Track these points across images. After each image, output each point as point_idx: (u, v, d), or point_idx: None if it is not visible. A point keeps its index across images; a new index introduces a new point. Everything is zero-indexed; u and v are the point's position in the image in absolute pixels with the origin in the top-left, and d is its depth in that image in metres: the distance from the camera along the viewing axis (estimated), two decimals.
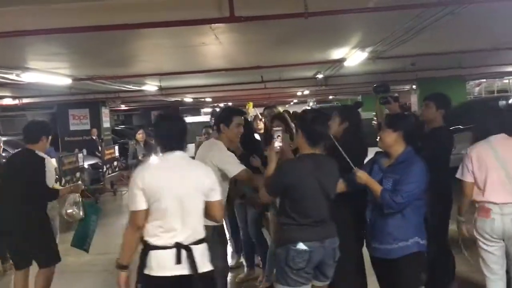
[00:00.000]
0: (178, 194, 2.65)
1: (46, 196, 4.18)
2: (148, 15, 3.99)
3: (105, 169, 11.83)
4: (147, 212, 2.64)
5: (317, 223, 2.95)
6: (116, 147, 14.02)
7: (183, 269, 2.62)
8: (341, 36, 5.94)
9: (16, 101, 12.99)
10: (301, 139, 3.03)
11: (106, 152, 12.70)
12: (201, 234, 2.74)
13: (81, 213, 4.44)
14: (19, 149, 4.51)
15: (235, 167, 3.46)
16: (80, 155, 10.65)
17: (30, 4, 3.87)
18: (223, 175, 3.41)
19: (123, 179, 13.55)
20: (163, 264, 2.63)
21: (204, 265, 2.71)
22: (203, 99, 18.81)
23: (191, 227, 2.68)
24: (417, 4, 3.92)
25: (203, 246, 2.74)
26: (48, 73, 7.20)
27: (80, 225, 4.64)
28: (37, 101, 13.32)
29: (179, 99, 16.19)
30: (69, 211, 4.41)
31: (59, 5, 3.88)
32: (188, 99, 16.74)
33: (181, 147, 2.77)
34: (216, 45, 5.93)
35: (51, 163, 4.43)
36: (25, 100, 12.98)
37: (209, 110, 26.16)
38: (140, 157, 8.26)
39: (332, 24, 4.95)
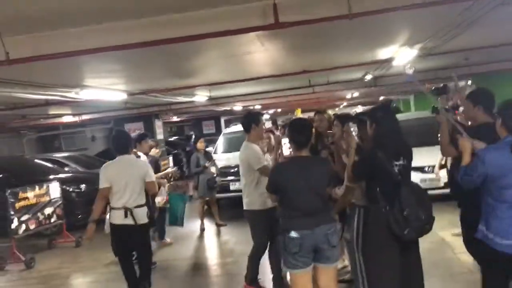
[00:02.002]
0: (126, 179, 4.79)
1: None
2: (196, 28, 4.12)
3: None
4: (108, 188, 4.77)
5: (307, 214, 3.49)
6: (171, 158, 14.42)
7: (128, 221, 4.74)
8: (387, 35, 5.85)
9: (76, 118, 13.68)
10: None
11: (162, 163, 13.07)
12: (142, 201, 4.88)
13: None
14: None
15: (257, 164, 4.68)
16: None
17: (88, 25, 4.15)
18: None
19: (178, 189, 13.92)
20: (116, 217, 4.80)
21: (142, 220, 4.82)
22: (252, 107, 18.95)
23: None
24: None
25: (142, 209, 4.85)
26: (104, 89, 7.55)
27: (170, 210, 7.07)
28: (95, 117, 13.92)
29: (229, 108, 16.41)
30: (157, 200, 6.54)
31: (115, 23, 4.13)
32: (237, 107, 16.93)
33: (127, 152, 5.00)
34: (261, 53, 6.01)
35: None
36: (84, 117, 13.63)
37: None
38: (206, 164, 8.48)
39: (377, 24, 4.90)
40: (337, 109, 27.58)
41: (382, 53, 7.18)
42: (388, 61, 7.59)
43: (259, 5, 4.01)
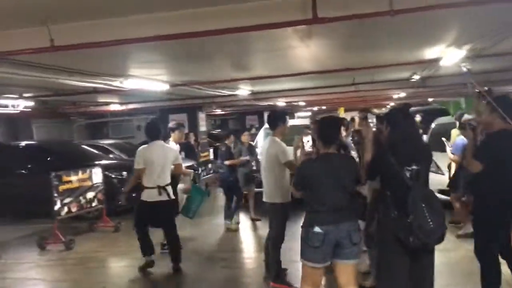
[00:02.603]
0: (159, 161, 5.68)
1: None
2: (233, 21, 4.13)
3: (200, 171, 12.32)
4: (144, 169, 5.66)
5: (333, 210, 3.55)
6: (211, 150, 14.58)
7: (162, 197, 5.62)
8: (433, 34, 5.63)
9: (123, 107, 14.08)
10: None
11: (202, 155, 13.27)
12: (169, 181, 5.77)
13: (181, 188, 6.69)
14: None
15: (285, 158, 4.90)
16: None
17: (133, 14, 4.23)
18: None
19: (217, 181, 14.06)
20: (151, 195, 5.64)
21: (172, 196, 5.76)
22: (296, 103, 18.86)
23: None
24: None
25: (169, 187, 5.73)
26: (147, 80, 7.71)
27: (186, 200, 6.86)
28: (141, 106, 14.27)
29: (272, 103, 16.40)
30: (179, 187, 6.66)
31: (157, 14, 4.20)
32: (280, 103, 16.89)
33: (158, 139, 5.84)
34: (302, 48, 5.95)
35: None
36: (130, 106, 14.01)
37: (303, 114, 26.28)
38: (248, 158, 8.52)
39: (422, 22, 4.73)
40: (383, 109, 27.00)
41: (429, 53, 6.94)
42: (435, 61, 7.33)
43: (299, 0, 3.96)
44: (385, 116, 3.81)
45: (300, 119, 22.38)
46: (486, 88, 4.81)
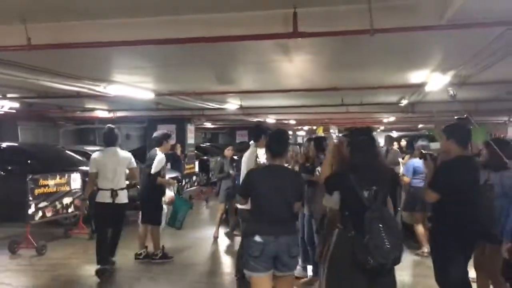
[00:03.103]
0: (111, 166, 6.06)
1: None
2: (220, 30, 4.10)
3: (184, 183, 12.21)
4: (96, 173, 6.05)
5: (273, 221, 3.64)
6: (197, 163, 14.48)
7: (112, 200, 5.98)
8: (418, 57, 5.65)
9: (111, 114, 13.98)
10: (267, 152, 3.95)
11: (187, 167, 13.17)
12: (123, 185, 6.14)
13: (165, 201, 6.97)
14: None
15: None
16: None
17: (114, 18, 4.19)
18: None
19: (201, 194, 13.97)
20: (104, 196, 6.02)
21: (125, 200, 6.15)
22: (286, 121, 18.86)
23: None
24: (497, 22, 3.61)
25: (123, 191, 6.14)
26: (132, 87, 7.65)
27: (171, 211, 7.13)
28: (129, 115, 14.19)
29: (262, 120, 16.39)
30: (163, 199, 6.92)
31: (139, 19, 4.16)
32: (270, 120, 16.88)
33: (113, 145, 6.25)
34: (287, 63, 5.94)
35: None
36: (118, 114, 13.91)
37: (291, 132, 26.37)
38: (230, 171, 8.46)
39: (406, 43, 4.74)
40: (375, 132, 27.09)
41: (414, 77, 6.96)
42: (421, 86, 7.35)
43: (281, 13, 3.94)
44: (348, 135, 3.78)
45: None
46: (464, 116, 4.88)
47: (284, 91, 8.29)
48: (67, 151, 11.36)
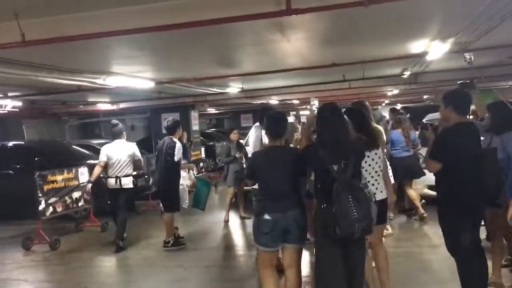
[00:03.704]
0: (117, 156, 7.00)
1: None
2: (213, 13, 4.04)
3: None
4: (105, 162, 6.98)
5: (279, 199, 3.82)
6: (203, 149, 14.51)
7: (117, 185, 7.01)
8: (416, 27, 5.55)
9: (114, 106, 13.99)
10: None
11: (193, 153, 13.20)
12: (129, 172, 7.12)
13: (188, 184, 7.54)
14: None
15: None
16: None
17: (107, 8, 4.15)
18: None
19: (209, 179, 14.02)
20: (111, 183, 7.04)
21: (128, 185, 7.10)
22: (289, 101, 18.77)
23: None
24: None
25: (128, 177, 7.10)
26: (131, 77, 7.63)
27: (194, 194, 7.62)
28: (133, 105, 14.18)
29: (265, 101, 16.32)
30: (185, 183, 7.37)
31: (132, 7, 4.11)
32: (273, 101, 16.81)
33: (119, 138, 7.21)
34: (284, 42, 5.88)
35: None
36: (121, 105, 13.91)
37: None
38: (237, 155, 8.50)
39: (402, 14, 4.67)
40: (379, 106, 26.91)
41: (414, 47, 6.86)
42: (422, 55, 7.25)
43: None
44: (318, 111, 3.93)
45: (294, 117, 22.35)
46: (468, 81, 4.83)
47: (284, 71, 8.22)
48: (73, 146, 11.43)
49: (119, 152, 7.07)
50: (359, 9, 3.71)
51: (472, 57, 6.46)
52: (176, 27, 4.16)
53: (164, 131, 15.75)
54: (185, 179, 7.54)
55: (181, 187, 7.18)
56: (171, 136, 6.89)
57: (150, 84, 8.31)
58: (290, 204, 3.83)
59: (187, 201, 7.53)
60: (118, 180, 7.02)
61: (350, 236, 3.35)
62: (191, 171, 7.94)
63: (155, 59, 6.78)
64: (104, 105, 13.63)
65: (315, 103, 6.01)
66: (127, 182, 7.11)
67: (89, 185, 7.54)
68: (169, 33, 4.46)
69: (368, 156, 4.10)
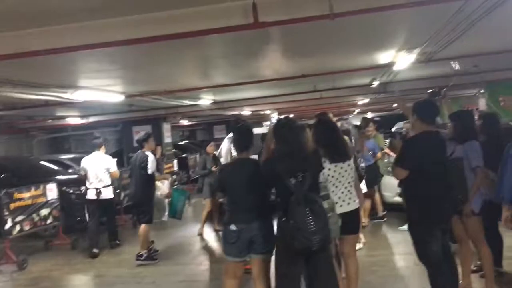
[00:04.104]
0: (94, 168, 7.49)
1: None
2: (176, 27, 4.04)
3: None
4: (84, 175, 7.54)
5: (245, 210, 3.90)
6: (175, 162, 14.38)
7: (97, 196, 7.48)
8: (382, 38, 5.66)
9: (84, 120, 13.72)
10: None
11: (165, 166, 13.06)
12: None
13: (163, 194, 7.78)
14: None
15: None
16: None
17: (71, 23, 4.09)
18: None
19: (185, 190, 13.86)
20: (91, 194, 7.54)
21: (107, 196, 7.57)
22: (262, 112, 18.82)
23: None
24: None
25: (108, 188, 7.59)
26: (100, 91, 7.52)
27: (170, 204, 7.85)
28: (103, 119, 13.96)
29: (237, 113, 16.33)
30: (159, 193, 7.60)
31: (93, 22, 4.07)
32: (246, 112, 16.84)
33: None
34: (254, 55, 5.90)
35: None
36: (91, 119, 13.67)
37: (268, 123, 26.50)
38: (213, 168, 8.44)
39: (368, 26, 4.75)
40: (351, 115, 27.26)
41: (382, 58, 6.99)
42: (389, 65, 7.39)
43: (240, 5, 3.90)
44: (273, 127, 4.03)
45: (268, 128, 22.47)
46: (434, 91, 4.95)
47: (254, 83, 8.25)
48: (41, 162, 11.15)
49: (96, 164, 7.57)
50: (325, 22, 3.76)
51: (457, 64, 6.78)
52: (145, 41, 4.15)
53: (135, 144, 15.78)
54: (161, 189, 7.72)
55: (159, 198, 7.46)
56: (142, 150, 6.98)
57: (120, 98, 8.20)
58: (255, 215, 3.89)
59: (166, 213, 7.90)
60: (97, 191, 7.50)
61: (308, 248, 3.41)
62: (166, 181, 8.04)
63: (125, 72, 6.70)
64: (73, 119, 13.37)
65: (275, 116, 6.14)
66: (108, 193, 7.60)
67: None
68: (139, 46, 4.43)
69: (341, 168, 4.15)
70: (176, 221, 8.89)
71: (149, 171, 6.80)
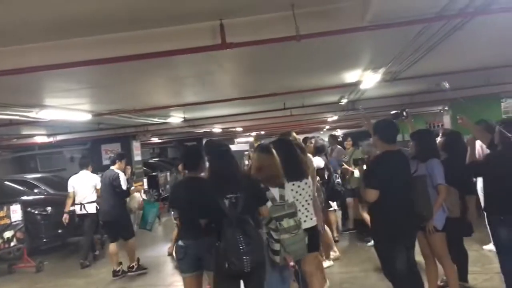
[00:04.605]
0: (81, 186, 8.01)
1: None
2: (152, 47, 4.05)
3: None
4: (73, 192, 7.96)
5: (192, 227, 3.91)
6: (145, 180, 14.20)
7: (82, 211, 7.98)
8: (348, 58, 5.79)
9: (51, 139, 13.42)
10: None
11: (135, 184, 12.87)
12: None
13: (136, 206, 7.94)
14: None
15: None
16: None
17: (34, 43, 4.04)
18: None
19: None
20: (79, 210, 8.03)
21: (90, 210, 8.00)
22: (233, 129, 18.85)
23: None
24: (414, 20, 3.75)
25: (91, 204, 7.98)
26: (66, 110, 7.39)
27: (141, 215, 7.89)
28: (70, 137, 13.68)
29: (208, 130, 16.30)
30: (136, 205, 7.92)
31: (64, 41, 4.03)
32: (216, 129, 16.83)
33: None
34: (223, 74, 5.94)
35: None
36: (58, 138, 13.38)
37: (243, 139, 26.57)
38: None
39: (334, 47, 4.86)
40: (321, 132, 27.59)
41: (349, 77, 7.15)
42: (356, 84, 7.56)
43: (209, 25, 3.95)
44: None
45: (240, 145, 22.58)
46: (399, 111, 5.08)
47: (224, 101, 8.27)
48: (5, 182, 10.84)
49: (82, 182, 8.04)
50: (292, 43, 3.83)
51: (447, 84, 7.06)
52: (111, 61, 4.11)
53: (105, 163, 15.51)
54: (132, 200, 7.89)
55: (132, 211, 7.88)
56: (112, 167, 7.27)
57: (88, 117, 8.09)
58: (203, 232, 3.85)
59: (136, 225, 8.26)
60: (81, 207, 7.98)
61: (240, 270, 3.42)
62: (137, 193, 8.56)
63: (93, 91, 6.61)
64: (40, 138, 13.06)
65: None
66: (91, 208, 7.98)
67: (66, 216, 7.99)
68: (106, 66, 4.39)
69: (299, 186, 4.20)
70: (145, 240, 8.79)
71: (123, 187, 7.08)
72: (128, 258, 7.19)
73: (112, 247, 7.13)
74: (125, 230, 7.19)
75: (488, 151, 4.62)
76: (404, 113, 5.10)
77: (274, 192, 3.97)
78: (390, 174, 3.85)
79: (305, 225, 4.14)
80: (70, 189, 8.02)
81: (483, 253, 6.21)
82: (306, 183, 4.30)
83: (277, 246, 3.79)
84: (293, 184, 4.21)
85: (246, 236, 3.42)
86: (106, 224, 7.36)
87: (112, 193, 7.05)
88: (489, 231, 4.71)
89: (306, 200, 4.26)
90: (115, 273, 7.06)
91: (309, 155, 5.17)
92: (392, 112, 5.47)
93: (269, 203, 3.91)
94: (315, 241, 4.33)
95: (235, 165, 3.86)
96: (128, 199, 7.60)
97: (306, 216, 4.23)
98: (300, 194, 4.21)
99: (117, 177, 7.02)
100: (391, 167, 3.89)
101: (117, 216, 7.08)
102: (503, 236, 4.19)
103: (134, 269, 7.14)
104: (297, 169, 4.24)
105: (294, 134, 5.09)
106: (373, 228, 4.07)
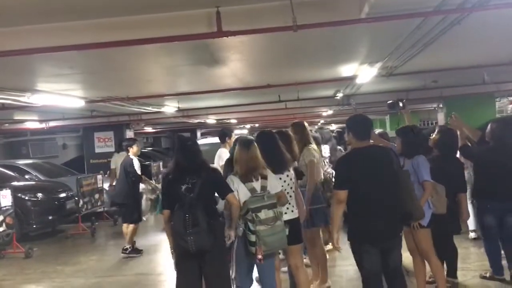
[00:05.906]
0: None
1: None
2: (139, 33, 3.99)
3: None
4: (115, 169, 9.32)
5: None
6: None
7: None
8: (345, 51, 5.77)
9: (43, 125, 13.31)
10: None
11: None
12: None
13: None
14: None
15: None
16: (99, 176, 10.60)
17: (26, 25, 3.97)
18: None
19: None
20: None
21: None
22: (227, 121, 18.80)
23: None
24: (412, 14, 3.73)
25: None
26: (59, 95, 7.32)
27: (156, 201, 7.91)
28: (63, 124, 13.58)
29: (202, 121, 16.23)
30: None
31: (57, 24, 3.96)
32: (210, 120, 16.77)
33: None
34: (219, 64, 5.89)
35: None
36: (51, 124, 13.28)
37: (238, 131, 26.55)
38: None
39: (331, 39, 4.82)
40: (316, 126, 27.58)
41: (345, 71, 7.11)
42: (352, 78, 7.53)
43: (205, 12, 3.89)
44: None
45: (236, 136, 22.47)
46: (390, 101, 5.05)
47: (219, 91, 8.23)
48: None
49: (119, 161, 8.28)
50: (289, 33, 3.78)
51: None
52: (104, 46, 4.06)
53: (97, 150, 15.40)
54: (148, 192, 8.47)
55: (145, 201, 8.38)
56: (127, 154, 7.67)
57: (81, 103, 8.01)
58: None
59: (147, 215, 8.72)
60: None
61: (187, 250, 3.67)
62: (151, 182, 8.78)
63: (86, 77, 6.55)
64: (32, 124, 12.95)
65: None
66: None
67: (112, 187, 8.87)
68: (100, 51, 4.34)
69: (280, 178, 4.16)
70: (140, 231, 8.78)
71: (139, 172, 7.55)
72: (127, 239, 7.53)
73: (124, 228, 7.63)
74: (128, 213, 7.57)
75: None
76: (401, 104, 5.01)
77: (255, 184, 3.94)
78: (357, 173, 3.63)
79: (285, 217, 4.08)
80: (112, 165, 9.34)
81: (473, 250, 6.23)
82: (287, 176, 4.26)
83: (253, 238, 3.77)
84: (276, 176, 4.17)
85: (194, 219, 3.64)
86: (116, 205, 8.28)
87: (124, 178, 7.52)
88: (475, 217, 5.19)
89: (288, 192, 4.21)
90: (122, 250, 7.54)
91: (314, 145, 5.11)
92: (389, 102, 5.36)
93: (248, 194, 3.89)
94: (298, 233, 4.28)
95: (198, 157, 4.05)
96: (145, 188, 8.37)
97: (287, 208, 4.19)
98: (282, 186, 4.17)
99: (131, 164, 7.44)
100: (358, 166, 3.68)
101: (124, 199, 7.59)
102: (488, 222, 4.85)
103: (127, 251, 7.46)
104: (278, 162, 4.19)
105: (305, 124, 5.08)
106: (348, 233, 3.96)
